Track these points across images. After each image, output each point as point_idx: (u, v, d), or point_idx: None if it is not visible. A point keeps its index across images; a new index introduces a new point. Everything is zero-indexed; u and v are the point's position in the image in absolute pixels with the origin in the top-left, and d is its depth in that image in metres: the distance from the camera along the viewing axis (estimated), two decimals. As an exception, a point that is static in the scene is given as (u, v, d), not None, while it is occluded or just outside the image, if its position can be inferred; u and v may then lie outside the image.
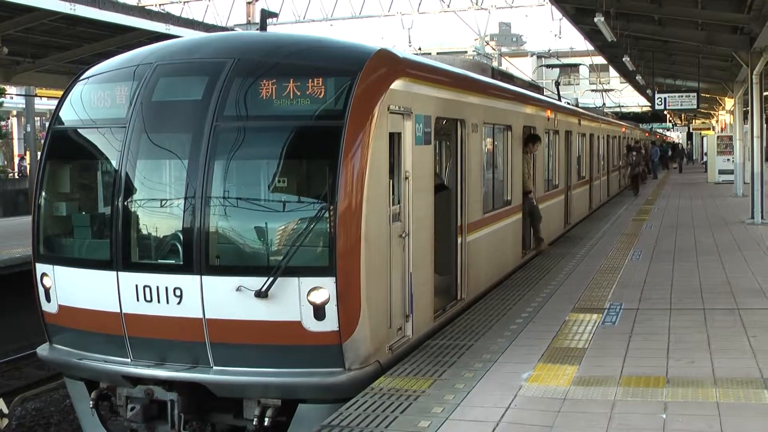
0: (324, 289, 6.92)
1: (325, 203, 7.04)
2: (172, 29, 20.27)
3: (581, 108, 26.04)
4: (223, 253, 7.26)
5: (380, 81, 7.58)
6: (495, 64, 37.94)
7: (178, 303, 7.15)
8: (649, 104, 44.30)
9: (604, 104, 53.74)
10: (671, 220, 20.56)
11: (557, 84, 27.03)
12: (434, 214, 8.95)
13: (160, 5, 35.07)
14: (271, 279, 6.88)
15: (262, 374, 7.10)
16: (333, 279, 6.91)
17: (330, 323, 6.95)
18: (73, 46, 22.41)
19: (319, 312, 6.94)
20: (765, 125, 22.30)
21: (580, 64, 56.19)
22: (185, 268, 7.14)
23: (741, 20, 18.99)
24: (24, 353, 14.61)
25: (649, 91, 38.77)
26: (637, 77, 34.17)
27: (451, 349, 8.23)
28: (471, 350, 8.17)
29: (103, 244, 7.56)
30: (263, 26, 9.10)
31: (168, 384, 7.21)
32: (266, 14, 9.35)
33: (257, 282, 6.92)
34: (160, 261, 7.39)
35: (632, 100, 64.26)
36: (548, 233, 16.24)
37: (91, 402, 7.73)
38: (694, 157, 68.21)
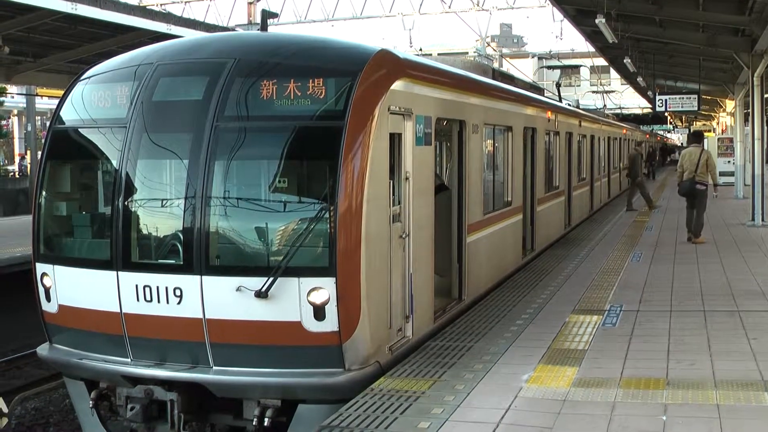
0: (324, 289, 6.91)
1: (326, 204, 7.03)
2: (173, 29, 20.31)
3: (582, 109, 26.01)
4: (223, 253, 7.26)
5: (381, 82, 7.57)
6: (496, 65, 37.92)
7: (178, 303, 7.15)
8: (650, 106, 44.30)
9: (605, 106, 53.69)
10: (672, 222, 20.53)
11: (558, 85, 26.97)
12: (434, 214, 8.95)
13: (161, 5, 35.11)
14: (271, 279, 6.88)
15: (261, 374, 7.09)
16: (333, 279, 6.90)
17: (330, 324, 6.94)
18: (75, 46, 22.46)
19: (319, 312, 6.93)
20: (766, 127, 22.25)
21: (581, 66, 56.10)
22: (185, 268, 7.14)
23: (742, 22, 19.00)
24: (24, 353, 14.61)
25: (650, 93, 38.79)
26: (638, 79, 34.17)
27: (451, 350, 8.23)
28: (471, 351, 8.16)
29: (103, 243, 7.55)
30: (264, 26, 9.10)
31: (168, 384, 7.21)
32: (267, 14, 9.35)
33: (257, 282, 6.91)
34: (160, 261, 7.38)
35: (633, 101, 64.22)
36: (549, 235, 16.25)
37: (90, 402, 7.72)
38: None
